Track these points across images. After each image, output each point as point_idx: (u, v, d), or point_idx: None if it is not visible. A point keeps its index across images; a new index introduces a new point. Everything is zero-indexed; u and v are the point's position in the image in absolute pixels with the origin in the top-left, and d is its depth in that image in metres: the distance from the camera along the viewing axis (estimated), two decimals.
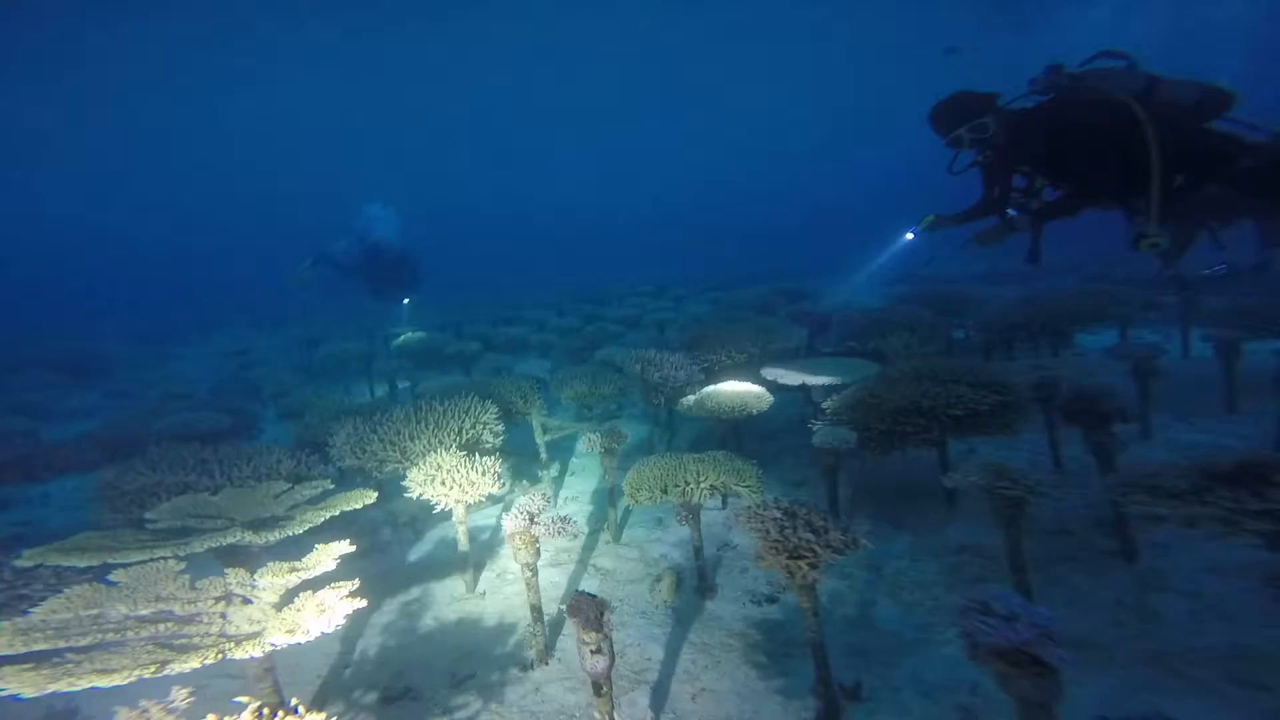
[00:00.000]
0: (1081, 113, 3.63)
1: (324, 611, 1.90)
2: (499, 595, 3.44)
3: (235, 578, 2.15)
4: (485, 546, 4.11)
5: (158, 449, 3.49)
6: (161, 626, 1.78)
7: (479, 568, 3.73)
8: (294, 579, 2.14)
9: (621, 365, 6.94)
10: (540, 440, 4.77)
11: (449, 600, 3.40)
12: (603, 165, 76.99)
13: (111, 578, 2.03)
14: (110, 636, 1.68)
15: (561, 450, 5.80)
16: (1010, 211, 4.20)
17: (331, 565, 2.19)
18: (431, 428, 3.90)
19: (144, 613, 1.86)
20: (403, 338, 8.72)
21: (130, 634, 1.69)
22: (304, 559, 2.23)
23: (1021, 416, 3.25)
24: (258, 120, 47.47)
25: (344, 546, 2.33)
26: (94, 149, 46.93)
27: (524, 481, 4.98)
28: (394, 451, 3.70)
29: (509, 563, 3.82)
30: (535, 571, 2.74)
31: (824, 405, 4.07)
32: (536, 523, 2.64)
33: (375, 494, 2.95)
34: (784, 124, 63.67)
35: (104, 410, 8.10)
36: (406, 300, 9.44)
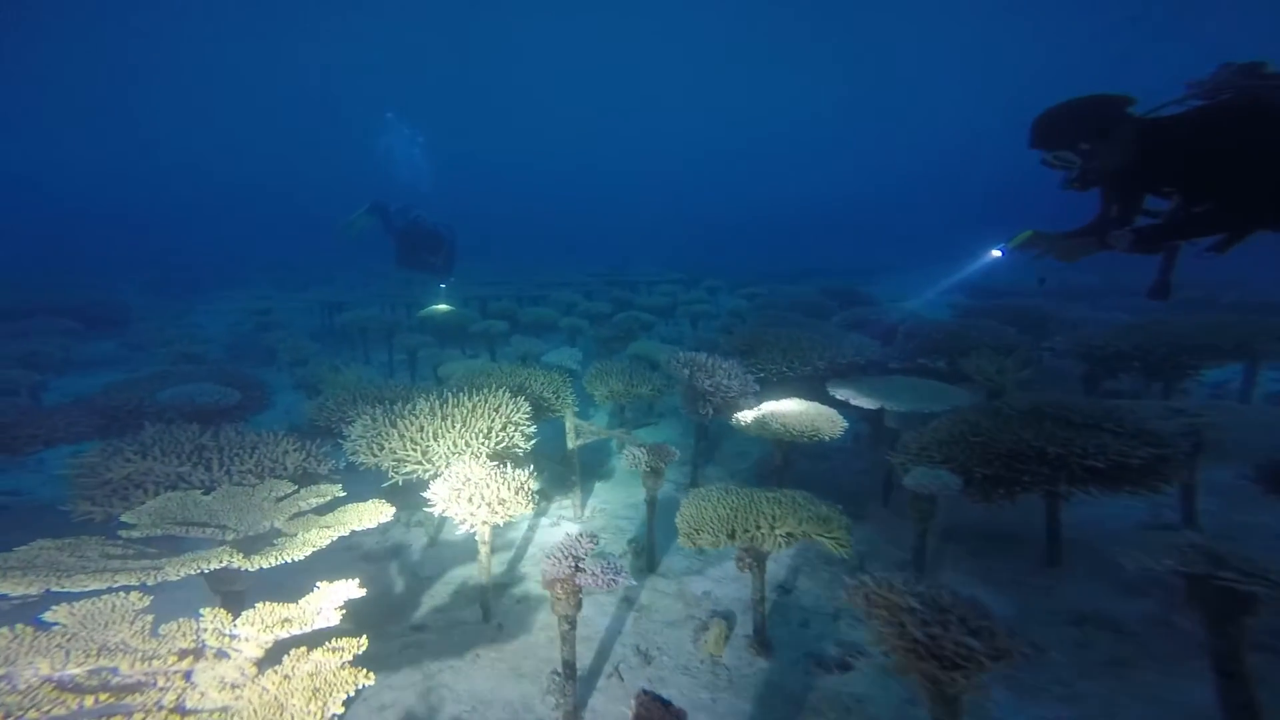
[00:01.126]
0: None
1: (317, 693, 1.46)
2: (520, 626, 3.01)
3: (212, 621, 1.71)
4: (506, 549, 3.69)
5: (152, 430, 3.09)
6: (93, 699, 1.34)
7: (499, 589, 3.30)
8: (283, 631, 1.69)
9: (660, 363, 6.45)
10: (571, 444, 4.31)
11: (460, 630, 2.97)
12: (631, 150, 75.42)
13: (49, 615, 1.61)
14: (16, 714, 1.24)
15: (590, 453, 5.35)
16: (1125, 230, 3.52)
17: (334, 618, 1.74)
18: (458, 426, 3.45)
19: (74, 672, 1.43)
20: (426, 310, 8.32)
21: (41, 711, 1.25)
22: (301, 604, 1.79)
23: (1177, 473, 2.67)
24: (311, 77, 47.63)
25: (350, 589, 1.88)
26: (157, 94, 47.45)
27: (549, 493, 4.54)
28: (415, 451, 3.26)
29: (533, 585, 3.39)
30: (574, 625, 2.28)
31: (905, 437, 3.52)
32: (582, 569, 2.18)
33: (392, 509, 2.51)
34: (809, 117, 61.96)
35: (121, 361, 7.88)
36: (444, 285, 9.04)
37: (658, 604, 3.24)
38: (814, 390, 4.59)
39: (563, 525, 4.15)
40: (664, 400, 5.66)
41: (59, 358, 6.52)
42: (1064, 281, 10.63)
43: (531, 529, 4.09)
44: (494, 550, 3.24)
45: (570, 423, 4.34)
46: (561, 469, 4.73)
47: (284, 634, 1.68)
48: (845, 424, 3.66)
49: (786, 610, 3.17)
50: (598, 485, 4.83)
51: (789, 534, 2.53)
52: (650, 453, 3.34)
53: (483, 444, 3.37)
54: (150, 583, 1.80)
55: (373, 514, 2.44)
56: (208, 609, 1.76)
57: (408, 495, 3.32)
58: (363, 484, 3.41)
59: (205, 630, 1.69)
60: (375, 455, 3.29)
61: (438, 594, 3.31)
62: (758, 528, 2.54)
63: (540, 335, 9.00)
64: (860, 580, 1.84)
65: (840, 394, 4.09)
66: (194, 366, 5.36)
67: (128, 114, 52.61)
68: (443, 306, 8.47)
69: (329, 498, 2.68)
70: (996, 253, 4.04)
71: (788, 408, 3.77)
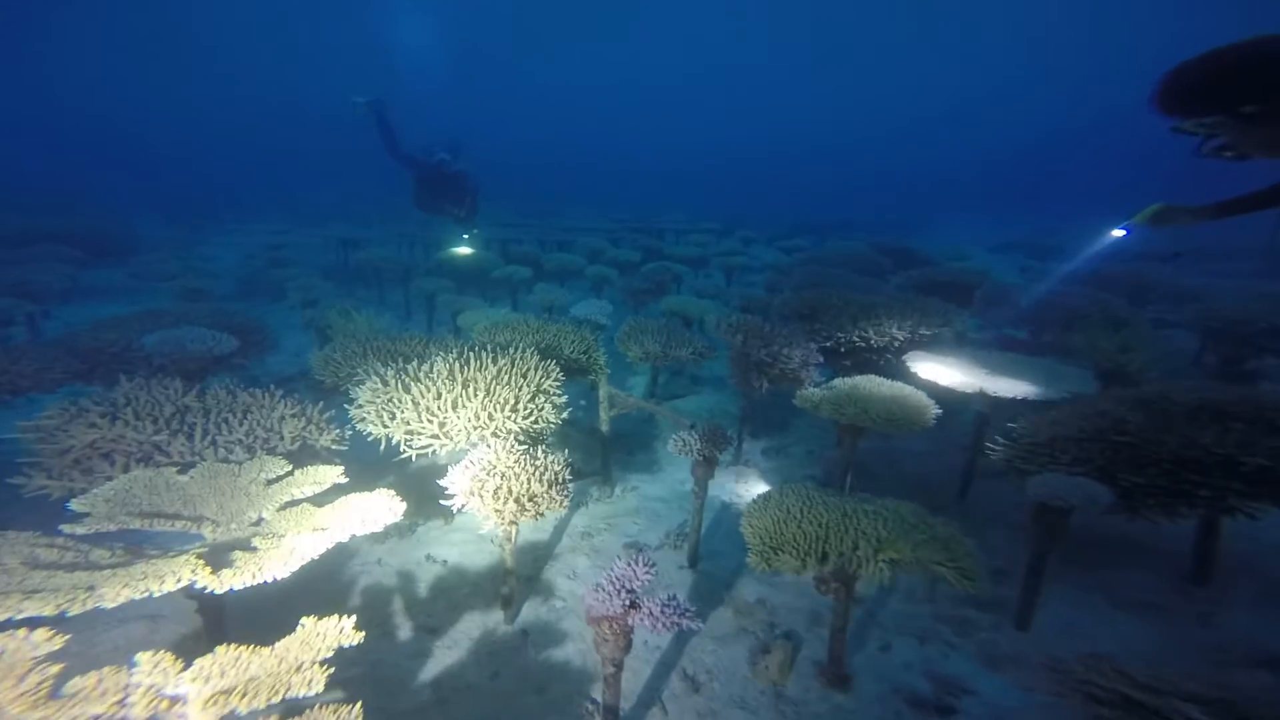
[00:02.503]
0: None
1: None
2: (549, 637, 2.60)
3: (149, 674, 1.27)
4: (527, 532, 3.28)
5: (127, 385, 2.63)
6: None
7: (525, 584, 2.90)
8: (244, 705, 1.25)
9: (695, 319, 5.83)
10: (605, 416, 3.81)
11: (482, 635, 2.58)
12: (654, 96, 70.53)
13: None
14: None
15: (621, 421, 4.86)
16: None
17: (318, 683, 1.29)
18: (480, 395, 2.94)
19: None
20: (446, 253, 7.73)
21: None
22: (276, 656, 1.34)
23: None
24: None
25: (343, 631, 1.42)
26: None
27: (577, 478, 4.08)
28: (431, 423, 2.77)
29: (561, 580, 2.98)
30: (620, 667, 1.83)
31: (1016, 427, 2.92)
32: (638, 605, 1.69)
33: (404, 506, 2.04)
34: (837, 55, 57.35)
35: (130, 292, 7.52)
36: (466, 236, 8.29)
37: (705, 613, 2.80)
38: (870, 364, 3.98)
39: (590, 506, 3.71)
40: (706, 366, 5.10)
41: (59, 288, 6.15)
42: (1148, 241, 9.50)
43: None
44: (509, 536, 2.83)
45: (604, 391, 3.81)
46: (589, 440, 4.26)
47: (244, 709, 1.22)
48: (938, 411, 3.07)
49: (860, 626, 2.71)
50: (629, 459, 4.37)
51: (894, 559, 2.01)
52: (704, 439, 2.81)
53: (508, 418, 2.87)
54: (75, 610, 1.36)
55: (378, 512, 1.97)
56: (146, 655, 1.30)
57: (423, 484, 2.87)
58: (369, 454, 2.97)
59: (135, 687, 1.24)
60: (386, 425, 2.81)
61: (450, 585, 2.91)
62: (855, 549, 2.02)
63: (564, 283, 8.42)
64: (1047, 661, 1.31)
65: (925, 371, 3.47)
66: (192, 305, 4.91)
67: (145, 31, 50.63)
68: (464, 250, 7.84)
69: (328, 484, 2.22)
70: (1119, 232, 3.24)
71: (868, 388, 3.17)
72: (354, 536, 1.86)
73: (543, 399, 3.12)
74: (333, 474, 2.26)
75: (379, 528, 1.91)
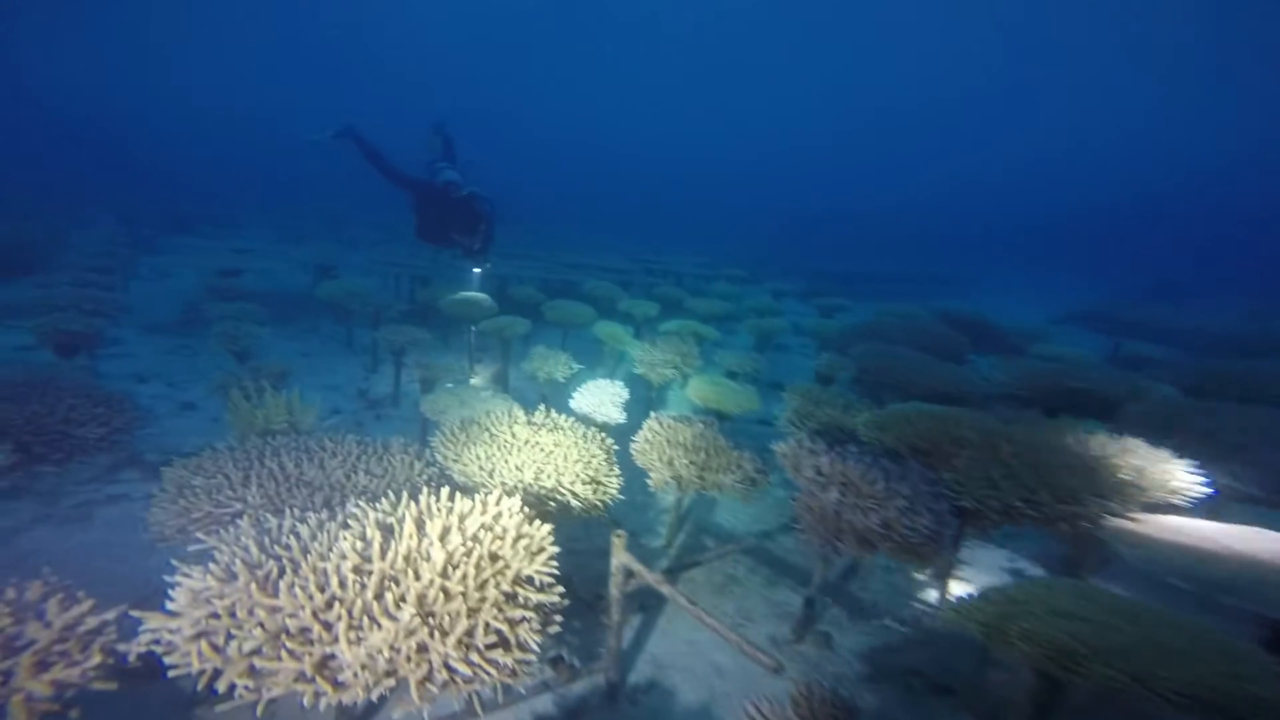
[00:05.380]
0: None
1: None
2: None
3: None
4: None
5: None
6: None
7: None
8: None
9: (733, 412, 4.48)
10: (616, 593, 2.49)
11: None
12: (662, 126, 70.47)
13: None
14: None
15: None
16: None
17: None
18: (405, 623, 1.64)
19: None
20: (450, 297, 6.46)
21: None
22: None
23: None
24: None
25: None
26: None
27: None
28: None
29: None
30: None
31: None
32: None
33: None
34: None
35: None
36: (478, 270, 7.18)
37: None
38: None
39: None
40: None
41: None
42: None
43: None
44: None
45: (620, 558, 2.49)
46: (590, 613, 2.93)
47: None
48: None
49: None
50: (646, 629, 3.01)
51: None
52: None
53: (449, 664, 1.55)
54: None
55: None
56: None
57: None
58: None
59: None
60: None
61: None
62: None
63: (566, 335, 7.20)
64: None
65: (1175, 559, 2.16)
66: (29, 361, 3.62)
67: (144, 26, 50.53)
68: (476, 295, 6.59)
69: None
70: None
71: (1119, 609, 1.86)
72: None
73: (515, 615, 1.80)
74: None
75: None
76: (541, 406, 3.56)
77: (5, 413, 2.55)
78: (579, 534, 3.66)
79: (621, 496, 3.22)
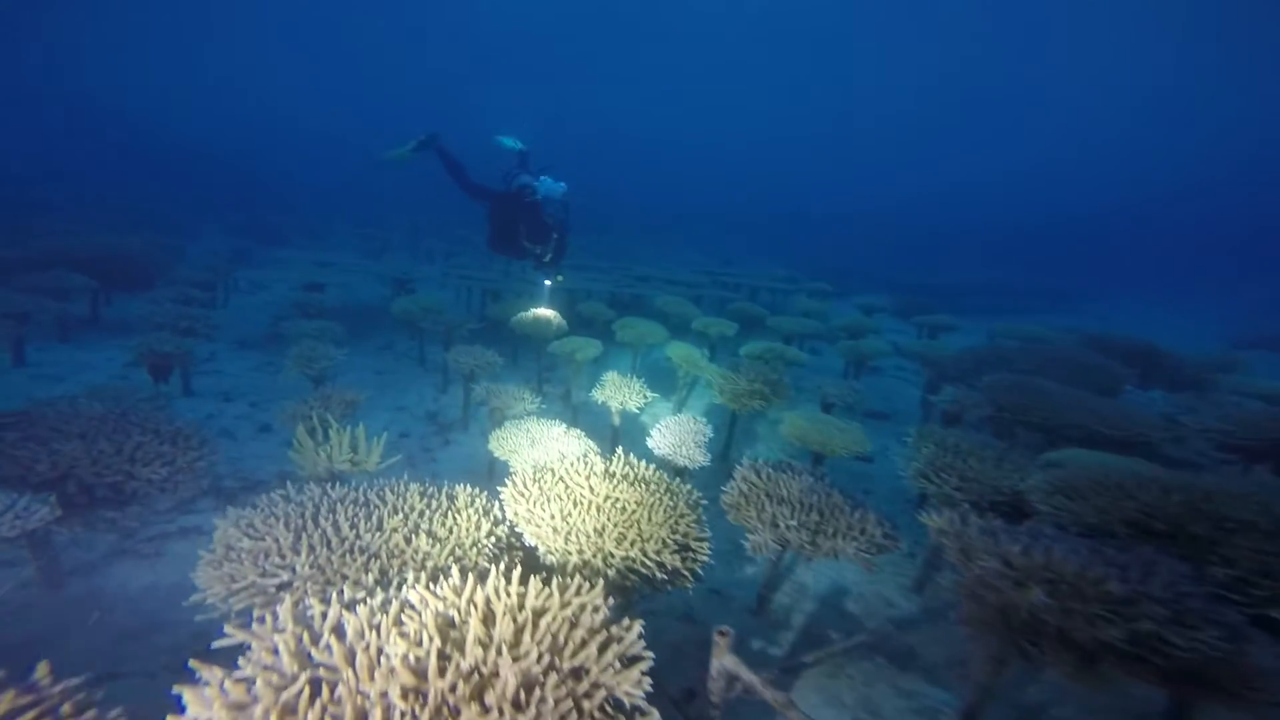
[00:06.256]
0: None
1: None
2: None
3: None
4: None
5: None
6: None
7: None
8: None
9: (834, 453, 3.78)
10: (716, 698, 2.00)
11: None
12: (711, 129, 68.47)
13: None
14: None
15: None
16: None
17: None
18: None
19: None
20: (520, 314, 6.28)
21: None
22: None
23: None
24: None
25: None
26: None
27: None
28: None
29: None
30: None
31: None
32: None
33: None
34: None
35: (103, 348, 6.60)
36: (549, 282, 6.89)
37: None
38: None
39: None
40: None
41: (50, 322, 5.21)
42: None
43: None
44: None
45: (723, 661, 2.01)
46: (676, 708, 2.45)
47: None
48: None
49: None
50: None
51: None
52: None
53: None
54: None
55: None
56: None
57: None
58: None
59: None
60: None
61: None
62: None
63: (636, 352, 6.83)
64: None
65: None
66: (120, 389, 3.63)
67: (262, 56, 55.47)
68: (545, 312, 6.38)
69: None
70: None
71: None
72: None
73: None
74: None
75: None
76: (619, 451, 3.15)
77: (74, 452, 2.44)
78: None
79: (711, 561, 2.75)
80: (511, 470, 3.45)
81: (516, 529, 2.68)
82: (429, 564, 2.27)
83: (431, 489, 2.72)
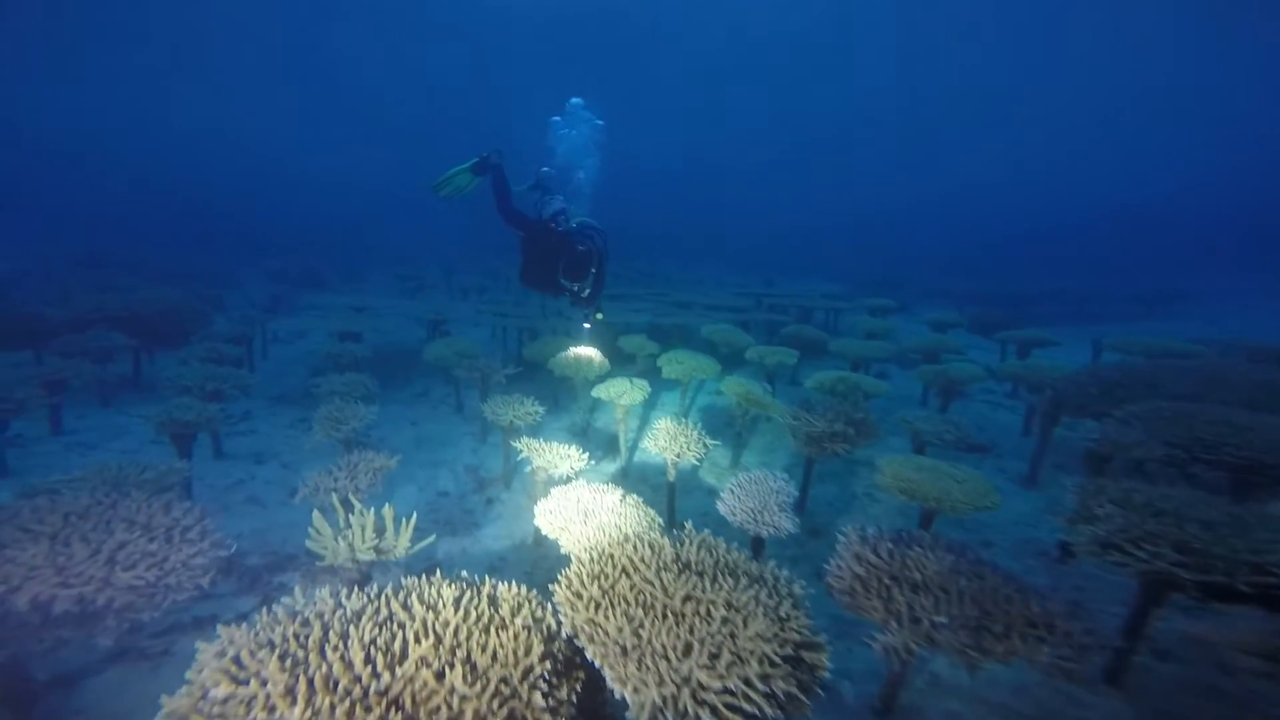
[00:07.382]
0: None
1: None
2: None
3: None
4: None
5: None
6: None
7: None
8: None
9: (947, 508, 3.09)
10: None
11: None
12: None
13: None
14: None
15: None
16: None
17: None
18: None
19: None
20: (559, 356, 5.85)
21: None
22: None
23: None
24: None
25: None
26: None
27: None
28: None
29: None
30: None
31: None
32: None
33: None
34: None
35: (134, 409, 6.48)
36: (587, 325, 6.36)
37: None
38: None
39: None
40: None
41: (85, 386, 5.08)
42: None
43: None
44: None
45: None
46: None
47: None
48: None
49: None
50: None
51: None
52: None
53: None
54: None
55: None
56: None
57: None
58: None
59: None
60: None
61: None
62: None
63: (685, 389, 6.26)
64: None
65: None
66: (133, 469, 3.30)
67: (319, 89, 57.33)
68: (588, 352, 5.90)
69: None
70: None
71: None
72: None
73: None
74: None
75: None
76: (688, 529, 2.57)
77: (33, 560, 2.04)
78: None
79: (829, 675, 2.11)
80: (562, 550, 2.91)
81: (576, 642, 2.13)
82: (468, 710, 1.73)
83: (469, 593, 2.20)
